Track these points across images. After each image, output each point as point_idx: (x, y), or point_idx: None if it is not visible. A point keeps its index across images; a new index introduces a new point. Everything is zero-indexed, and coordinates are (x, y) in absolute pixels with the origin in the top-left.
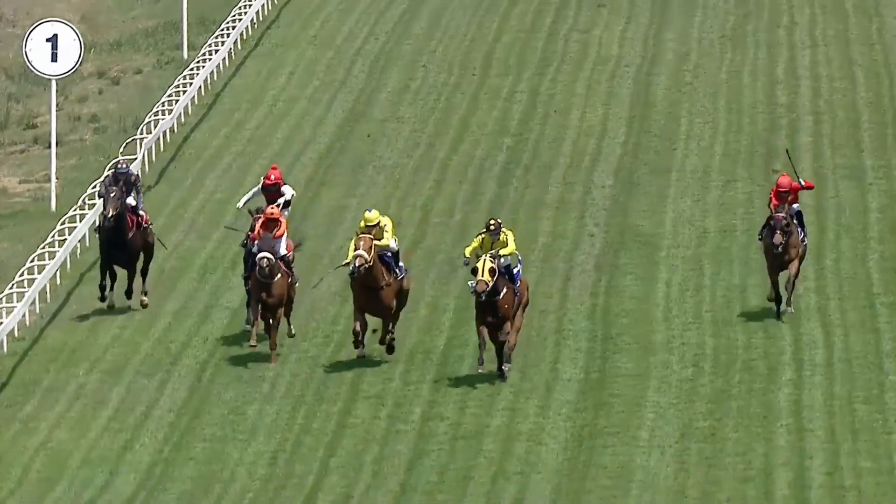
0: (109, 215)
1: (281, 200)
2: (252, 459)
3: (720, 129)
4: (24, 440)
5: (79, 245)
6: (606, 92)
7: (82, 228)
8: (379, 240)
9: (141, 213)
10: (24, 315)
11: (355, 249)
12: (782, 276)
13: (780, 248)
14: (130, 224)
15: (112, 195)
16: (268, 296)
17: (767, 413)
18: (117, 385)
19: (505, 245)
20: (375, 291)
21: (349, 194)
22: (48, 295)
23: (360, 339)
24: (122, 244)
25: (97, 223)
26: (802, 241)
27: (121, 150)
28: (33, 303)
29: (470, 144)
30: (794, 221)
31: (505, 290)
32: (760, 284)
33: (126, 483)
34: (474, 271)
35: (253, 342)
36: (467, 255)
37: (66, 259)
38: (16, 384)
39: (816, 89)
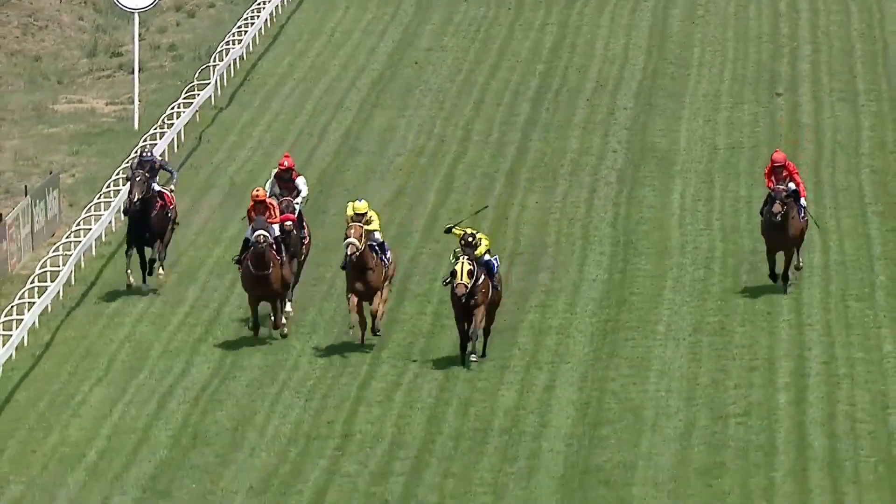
0: (135, 199)
1: (299, 198)
2: (313, 351)
3: (729, 56)
4: (110, 333)
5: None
6: (627, 24)
7: (161, 145)
8: (370, 222)
9: (168, 195)
10: (110, 222)
11: (346, 238)
12: (780, 257)
13: (778, 217)
14: (155, 207)
15: (138, 179)
16: (267, 288)
17: (771, 310)
18: (193, 285)
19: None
20: (364, 272)
21: (399, 115)
22: None
23: (358, 320)
24: (147, 226)
25: (123, 207)
26: (802, 217)
27: (196, 75)
28: (118, 211)
29: (506, 71)
30: (795, 200)
31: (482, 279)
32: (764, 196)
33: (200, 372)
34: (453, 273)
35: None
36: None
37: None
38: (102, 284)
39: (814, 21)
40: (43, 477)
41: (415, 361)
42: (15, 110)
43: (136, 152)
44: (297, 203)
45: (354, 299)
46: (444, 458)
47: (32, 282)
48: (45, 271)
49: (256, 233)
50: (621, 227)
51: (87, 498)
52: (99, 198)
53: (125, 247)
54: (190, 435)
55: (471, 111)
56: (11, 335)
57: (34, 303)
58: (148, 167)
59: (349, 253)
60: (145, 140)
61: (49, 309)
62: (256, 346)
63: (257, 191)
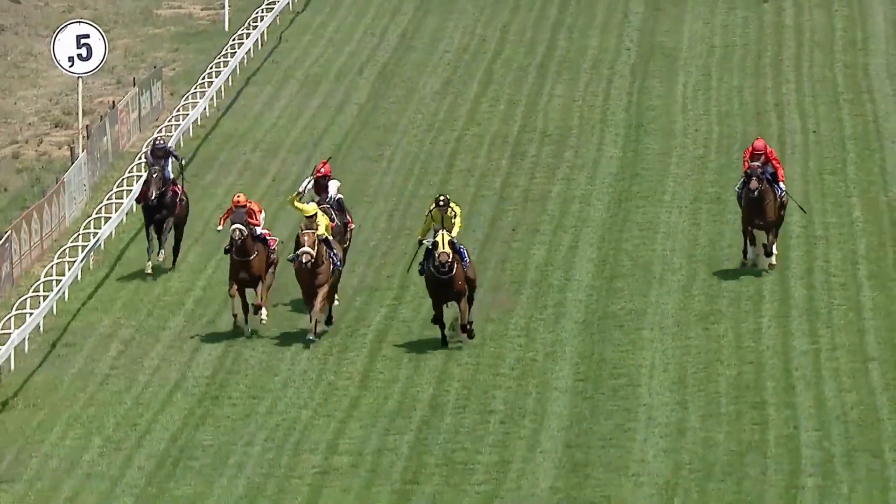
0: (153, 197)
1: (332, 196)
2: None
3: None
4: (204, 202)
5: (245, 56)
6: None
7: (247, 44)
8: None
9: (181, 187)
10: (204, 108)
11: (300, 246)
12: (758, 234)
13: (755, 193)
14: (172, 195)
15: (155, 175)
16: (248, 275)
17: None
18: (274, 160)
19: (453, 220)
20: (315, 272)
21: (446, 19)
22: (223, 93)
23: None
24: (166, 207)
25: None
26: (781, 196)
27: None
28: (211, 99)
29: None
30: (772, 184)
31: (456, 266)
32: (755, 86)
33: (285, 226)
34: (435, 245)
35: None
36: (421, 236)
37: (236, 67)
38: (198, 160)
39: None
40: (149, 321)
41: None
42: (125, 14)
43: (147, 146)
44: (330, 200)
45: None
46: (484, 306)
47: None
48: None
49: (234, 226)
50: (633, 113)
51: (184, 338)
52: (195, 88)
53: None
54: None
55: (508, 15)
56: (122, 203)
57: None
58: (161, 154)
59: (304, 261)
60: (233, 40)
61: None
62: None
63: (237, 197)
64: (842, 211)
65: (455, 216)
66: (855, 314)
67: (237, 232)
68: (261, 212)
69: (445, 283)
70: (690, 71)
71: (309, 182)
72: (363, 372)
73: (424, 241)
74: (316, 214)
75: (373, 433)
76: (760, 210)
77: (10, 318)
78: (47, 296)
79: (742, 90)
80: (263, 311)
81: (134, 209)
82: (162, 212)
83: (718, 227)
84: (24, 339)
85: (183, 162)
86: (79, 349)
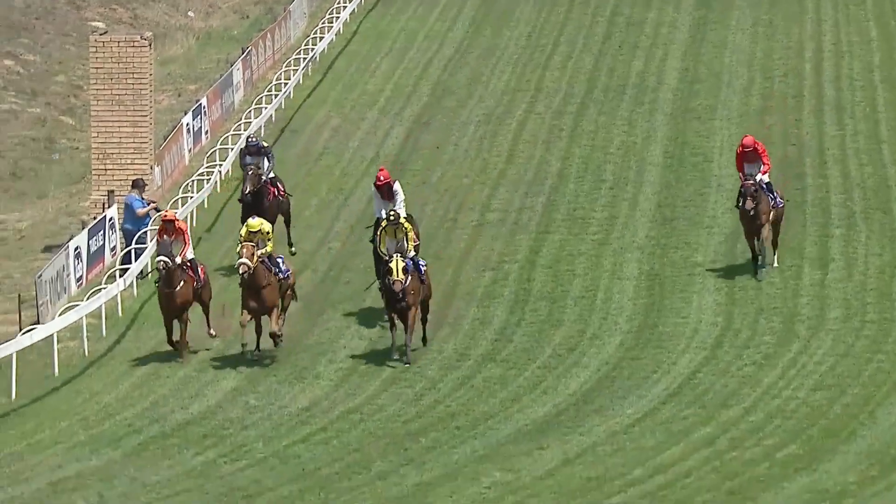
0: (247, 191)
1: (398, 200)
2: None
3: None
4: (312, 112)
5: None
6: None
7: None
8: (264, 246)
9: (278, 184)
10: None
11: (239, 257)
12: (757, 242)
13: (752, 212)
14: (268, 194)
15: (250, 173)
16: (171, 304)
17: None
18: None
19: (406, 235)
20: (259, 290)
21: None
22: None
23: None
24: (261, 213)
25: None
26: (775, 205)
27: None
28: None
29: None
30: (766, 191)
31: (409, 280)
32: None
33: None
34: (389, 271)
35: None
36: (378, 244)
37: None
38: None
39: None
40: (351, 114)
41: None
42: None
43: (241, 145)
44: (398, 208)
45: (247, 316)
46: (598, 104)
47: None
48: None
49: (158, 258)
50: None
51: (377, 129)
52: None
53: None
54: None
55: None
56: (332, 26)
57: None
58: (255, 151)
59: (241, 272)
60: None
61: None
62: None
63: (165, 213)
64: (863, 40)
65: (407, 232)
66: (871, 109)
67: (161, 263)
68: (186, 230)
69: (400, 306)
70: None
71: (374, 195)
72: (509, 150)
73: (382, 254)
74: (260, 230)
75: (515, 196)
76: (756, 224)
77: (249, 110)
78: (277, 94)
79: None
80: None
81: (341, 30)
82: (257, 210)
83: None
84: (260, 125)
85: (274, 161)
86: (300, 134)
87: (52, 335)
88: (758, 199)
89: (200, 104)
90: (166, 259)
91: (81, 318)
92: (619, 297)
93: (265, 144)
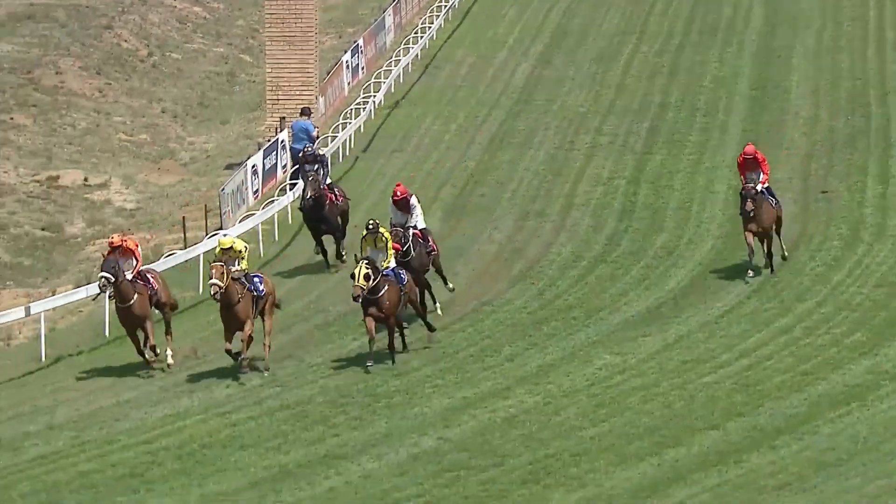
0: (308, 197)
1: (416, 213)
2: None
3: None
4: (452, 51)
5: None
6: None
7: None
8: (240, 258)
9: (335, 190)
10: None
11: (210, 279)
12: (757, 244)
13: (751, 213)
14: (328, 200)
15: (310, 179)
16: (128, 318)
17: None
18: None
19: (386, 245)
20: (231, 308)
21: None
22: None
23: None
24: (321, 218)
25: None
26: (776, 206)
27: None
28: None
29: None
30: (766, 195)
31: (387, 287)
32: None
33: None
34: (353, 276)
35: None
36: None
37: None
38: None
39: None
40: (484, 53)
41: None
42: None
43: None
44: (415, 221)
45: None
46: (693, 44)
47: None
48: None
49: (101, 275)
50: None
51: (506, 66)
52: None
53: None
54: None
55: None
56: None
57: None
58: (312, 159)
59: (213, 293)
60: None
61: None
62: None
63: (112, 237)
64: None
65: (387, 242)
66: None
67: (102, 280)
68: (137, 247)
69: (371, 301)
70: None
71: (392, 209)
72: (618, 83)
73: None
74: (232, 247)
75: (623, 122)
76: (759, 223)
77: (399, 49)
78: (422, 36)
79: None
80: (168, 351)
81: None
82: (318, 214)
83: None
84: (408, 62)
85: (329, 168)
86: (441, 70)
87: None
88: (758, 202)
89: (358, 44)
90: (108, 276)
91: (257, 224)
92: (711, 208)
93: (321, 153)
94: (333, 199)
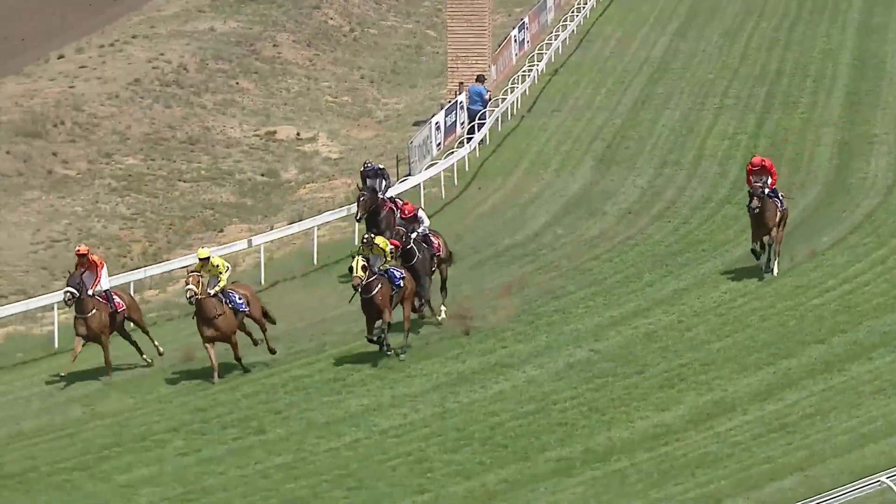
0: (358, 217)
1: (424, 224)
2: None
3: None
4: (602, 27)
5: None
6: None
7: None
8: (218, 275)
9: (397, 200)
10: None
11: (186, 285)
12: (766, 239)
13: (757, 210)
14: (384, 209)
15: (361, 199)
16: (87, 330)
17: None
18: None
19: (384, 252)
20: (210, 320)
21: None
22: None
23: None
24: (377, 226)
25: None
26: (781, 207)
27: None
28: None
29: None
30: (772, 196)
31: (380, 286)
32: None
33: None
34: (350, 269)
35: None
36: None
37: None
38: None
39: None
40: (629, 28)
41: None
42: None
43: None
44: (421, 230)
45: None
46: (804, 21)
47: None
48: None
49: (65, 290)
50: None
51: (648, 40)
52: None
53: None
54: None
55: None
56: None
57: None
58: (371, 174)
59: (188, 297)
60: None
61: None
62: None
63: (79, 247)
64: None
65: (384, 250)
66: None
67: (67, 294)
68: (102, 266)
69: (366, 302)
70: None
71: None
72: (741, 53)
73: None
74: (210, 261)
75: (745, 86)
76: (762, 222)
77: (558, 26)
78: (577, 14)
79: None
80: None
81: None
82: (373, 221)
83: None
84: (565, 37)
85: (390, 180)
86: (593, 43)
87: (419, 184)
88: (763, 201)
89: (524, 22)
90: (72, 290)
91: (439, 171)
92: (819, 158)
93: (381, 167)
94: (393, 209)
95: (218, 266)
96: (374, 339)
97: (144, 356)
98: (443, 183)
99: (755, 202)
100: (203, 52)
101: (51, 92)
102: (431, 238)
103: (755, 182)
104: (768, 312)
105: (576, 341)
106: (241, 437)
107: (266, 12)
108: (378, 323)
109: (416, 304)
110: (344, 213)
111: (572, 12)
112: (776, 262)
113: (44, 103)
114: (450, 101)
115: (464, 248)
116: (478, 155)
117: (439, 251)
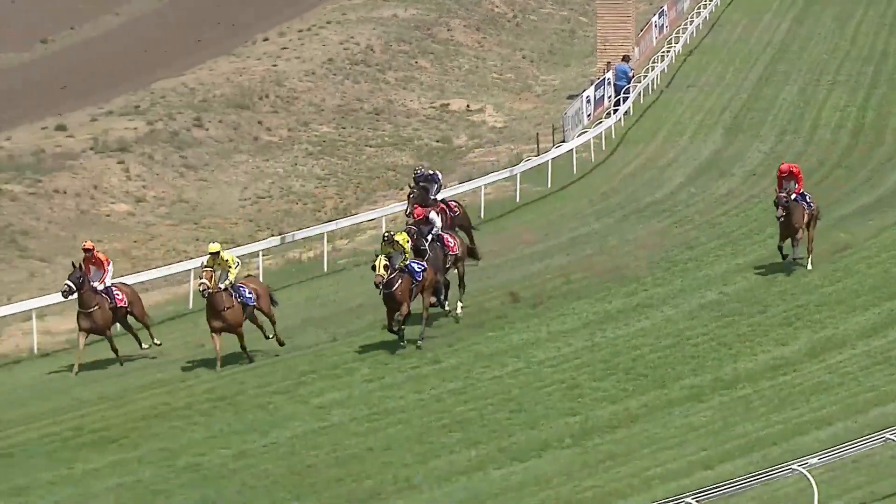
0: (407, 212)
1: (436, 226)
2: None
3: None
4: (730, 14)
5: None
6: None
7: None
8: (228, 269)
9: (452, 203)
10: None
11: (199, 278)
12: (788, 241)
13: (782, 218)
14: (434, 210)
15: (412, 196)
16: (91, 323)
17: None
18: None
19: (404, 248)
20: (219, 312)
21: None
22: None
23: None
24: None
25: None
26: (809, 209)
27: None
28: None
29: None
30: (799, 200)
31: (400, 281)
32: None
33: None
34: (373, 268)
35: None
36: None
37: None
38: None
39: None
40: (753, 15)
41: None
42: None
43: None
44: (435, 230)
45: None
46: None
47: None
48: None
49: (64, 283)
50: None
51: (770, 25)
52: None
53: None
54: None
55: None
56: None
57: None
58: (422, 180)
59: (201, 290)
60: None
61: None
62: None
63: (85, 242)
64: None
65: (404, 245)
66: None
67: (65, 287)
68: (108, 262)
69: (387, 296)
70: None
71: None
72: (852, 37)
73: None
74: (219, 253)
75: (855, 66)
76: (789, 224)
77: (693, 13)
78: (710, 3)
79: None
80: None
81: None
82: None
83: None
84: (699, 23)
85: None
86: (723, 28)
87: (572, 149)
88: (789, 208)
89: (663, 9)
90: (70, 284)
91: (590, 139)
92: None
93: (431, 172)
94: (447, 210)
95: (227, 261)
96: (395, 329)
97: (143, 345)
98: (592, 148)
99: (780, 211)
100: (387, 36)
101: (257, 70)
102: (448, 238)
103: (781, 191)
104: (874, 261)
105: (707, 285)
106: (419, 367)
107: (441, 1)
108: (395, 315)
109: (434, 299)
110: (507, 175)
111: (705, 1)
112: (809, 258)
113: (251, 79)
114: (599, 78)
115: (610, 205)
116: (623, 124)
117: (454, 250)
